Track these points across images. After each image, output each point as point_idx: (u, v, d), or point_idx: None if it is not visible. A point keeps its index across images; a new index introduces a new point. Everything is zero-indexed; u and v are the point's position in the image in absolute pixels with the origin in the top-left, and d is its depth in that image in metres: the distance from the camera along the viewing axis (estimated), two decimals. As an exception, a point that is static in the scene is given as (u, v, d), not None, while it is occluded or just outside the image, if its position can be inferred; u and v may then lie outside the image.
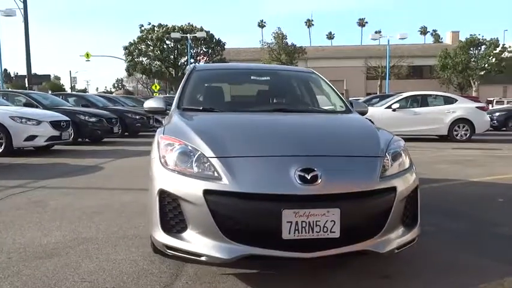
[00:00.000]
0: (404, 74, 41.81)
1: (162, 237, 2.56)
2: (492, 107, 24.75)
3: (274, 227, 2.34)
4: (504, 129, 17.29)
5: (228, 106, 3.79)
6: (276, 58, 43.20)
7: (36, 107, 11.31)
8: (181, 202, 2.51)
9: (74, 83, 61.12)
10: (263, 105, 4.01)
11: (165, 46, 41.73)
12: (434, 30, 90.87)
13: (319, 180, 2.40)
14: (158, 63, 42.21)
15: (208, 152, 2.59)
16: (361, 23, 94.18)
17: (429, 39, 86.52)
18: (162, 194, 2.58)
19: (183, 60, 42.27)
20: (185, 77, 4.03)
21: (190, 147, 2.67)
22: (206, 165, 2.56)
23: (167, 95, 40.18)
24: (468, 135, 12.47)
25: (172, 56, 42.24)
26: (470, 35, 39.32)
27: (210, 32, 41.24)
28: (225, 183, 2.42)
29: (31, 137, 8.95)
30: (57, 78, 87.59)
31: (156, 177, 2.66)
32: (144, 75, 46.74)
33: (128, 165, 7.67)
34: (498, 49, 38.33)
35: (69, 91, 49.83)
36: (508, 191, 5.52)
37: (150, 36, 40.61)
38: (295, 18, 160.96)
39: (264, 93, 4.31)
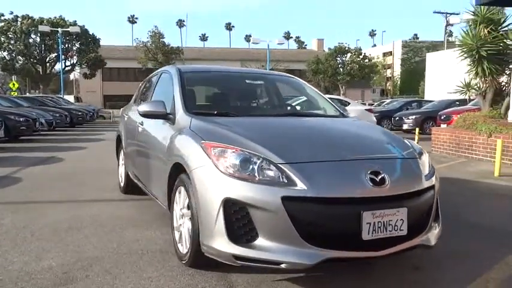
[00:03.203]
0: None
1: (229, 247, 2.47)
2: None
3: (355, 228, 2.43)
4: (378, 129, 19.56)
5: (239, 110, 3.68)
6: (153, 58, 42.06)
7: None
8: (250, 210, 2.45)
9: None
10: (273, 109, 4.00)
11: (30, 40, 37.33)
12: (298, 37, 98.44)
13: (387, 182, 2.56)
14: (22, 58, 37.61)
15: (275, 159, 2.56)
16: (229, 27, 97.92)
17: (292, 44, 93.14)
18: (228, 202, 2.48)
19: (53, 55, 38.26)
20: (176, 79, 3.75)
21: (248, 153, 2.60)
22: (268, 171, 2.53)
23: (28, 94, 35.96)
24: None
25: (39, 52, 37.94)
26: (339, 43, 43.47)
27: (85, 27, 38.13)
28: (302, 189, 2.43)
29: None
30: None
31: (217, 186, 2.54)
32: (5, 72, 41.26)
33: (46, 174, 6.85)
34: (361, 57, 42.93)
35: None
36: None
37: (12, 28, 35.91)
38: (166, 18, 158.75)
39: (265, 97, 4.29)
